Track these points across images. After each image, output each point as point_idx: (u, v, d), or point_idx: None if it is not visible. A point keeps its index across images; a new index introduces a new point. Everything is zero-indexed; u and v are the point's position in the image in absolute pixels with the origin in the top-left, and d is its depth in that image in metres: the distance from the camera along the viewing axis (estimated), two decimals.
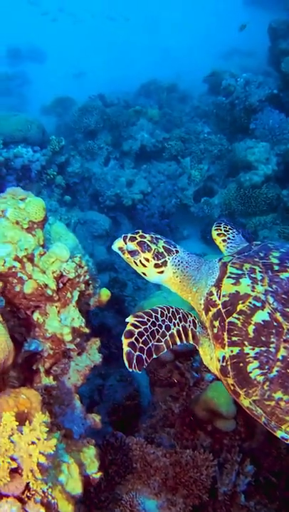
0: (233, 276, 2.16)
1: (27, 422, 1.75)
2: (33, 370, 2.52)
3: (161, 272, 2.30)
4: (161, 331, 2.09)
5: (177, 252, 2.32)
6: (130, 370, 1.95)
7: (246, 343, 2.04)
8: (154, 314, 2.11)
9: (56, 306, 2.49)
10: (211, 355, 2.17)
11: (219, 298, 2.14)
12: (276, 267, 2.15)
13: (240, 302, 2.09)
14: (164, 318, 2.12)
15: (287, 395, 1.99)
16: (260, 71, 9.47)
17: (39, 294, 2.42)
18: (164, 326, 2.11)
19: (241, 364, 2.04)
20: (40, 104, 12.26)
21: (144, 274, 2.34)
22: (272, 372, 2.00)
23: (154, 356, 2.04)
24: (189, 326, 2.19)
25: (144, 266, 2.29)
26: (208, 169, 7.77)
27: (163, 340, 2.09)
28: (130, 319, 2.06)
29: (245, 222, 7.17)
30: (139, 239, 2.28)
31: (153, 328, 2.07)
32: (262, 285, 2.10)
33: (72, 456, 2.16)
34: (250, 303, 2.07)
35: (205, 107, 9.13)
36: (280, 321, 2.02)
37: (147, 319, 2.07)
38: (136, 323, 2.04)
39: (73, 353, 2.66)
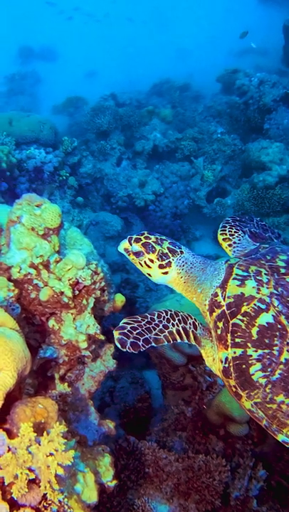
0: (238, 277, 2.16)
1: (45, 433, 1.75)
2: (47, 377, 2.52)
3: (166, 273, 2.31)
4: (158, 328, 2.11)
5: (182, 252, 2.34)
6: (124, 350, 1.97)
7: (249, 344, 2.03)
8: (150, 316, 2.14)
9: (72, 313, 2.49)
10: (214, 357, 2.18)
11: (224, 299, 2.14)
12: (283, 270, 2.14)
13: (245, 304, 2.08)
14: (160, 319, 2.14)
15: None
16: (274, 70, 9.38)
17: (55, 301, 2.42)
18: (161, 325, 2.13)
19: (244, 366, 2.03)
20: (51, 103, 12.29)
21: (149, 274, 2.35)
22: (275, 375, 1.99)
23: (153, 345, 2.06)
24: (190, 327, 2.20)
25: (149, 267, 2.30)
26: (221, 170, 7.71)
27: (162, 335, 2.10)
28: (123, 320, 2.09)
29: None
30: (143, 240, 2.30)
31: (148, 325, 2.09)
32: (267, 287, 2.09)
33: (88, 465, 2.16)
34: (254, 305, 2.06)
35: (218, 107, 9.06)
36: (285, 324, 2.01)
37: (141, 319, 2.11)
38: (128, 321, 2.08)
39: (88, 359, 2.66)
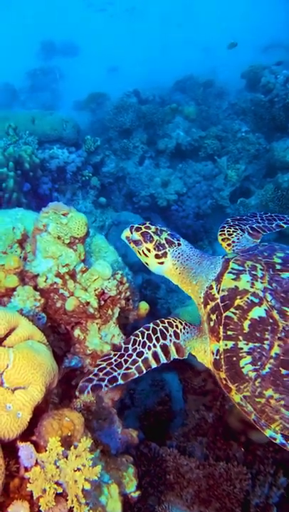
0: (234, 271, 2.19)
1: (72, 448, 1.77)
2: (72, 385, 2.54)
3: (162, 263, 2.37)
4: (130, 360, 2.14)
5: (179, 244, 2.38)
6: (81, 397, 2.09)
7: (241, 337, 2.05)
8: (124, 346, 2.18)
9: (97, 323, 2.50)
10: (205, 349, 2.20)
11: (218, 292, 2.18)
12: (278, 267, 2.16)
13: (239, 297, 2.11)
14: (135, 346, 2.18)
15: (278, 394, 1.98)
16: None
17: (81, 312, 2.44)
18: (134, 354, 2.16)
19: (234, 358, 2.05)
20: (73, 99, 12.30)
21: (146, 263, 2.42)
22: (265, 369, 2.00)
23: (121, 382, 2.11)
24: (170, 340, 2.22)
25: (146, 256, 2.38)
26: (245, 169, 7.59)
27: (133, 368, 2.14)
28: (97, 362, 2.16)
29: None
30: (143, 229, 2.39)
31: (120, 359, 2.14)
32: (262, 282, 2.11)
33: (112, 476, 2.18)
34: (248, 299, 2.09)
35: (242, 104, 8.88)
36: (277, 318, 2.02)
37: (113, 354, 2.16)
38: (98, 362, 2.14)
39: None
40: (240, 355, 2.04)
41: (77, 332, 2.48)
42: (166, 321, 2.27)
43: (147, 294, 5.97)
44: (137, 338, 2.21)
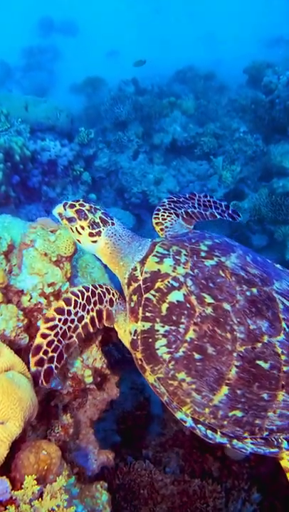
0: (158, 255, 2.23)
1: (48, 487, 1.74)
2: (50, 406, 2.51)
3: (95, 242, 2.37)
4: (73, 326, 2.14)
5: (113, 224, 2.40)
6: (40, 385, 2.02)
7: (158, 320, 2.08)
8: (66, 309, 2.15)
9: (79, 345, 2.45)
10: (125, 329, 2.22)
11: (141, 274, 2.21)
12: (203, 254, 2.19)
13: (160, 280, 2.14)
14: (77, 308, 2.17)
15: (190, 377, 2.02)
16: None
17: None
18: (76, 318, 2.15)
19: (150, 340, 2.09)
20: (69, 81, 11.95)
21: (78, 241, 2.41)
22: (179, 352, 2.04)
23: (65, 356, 2.11)
24: (105, 306, 2.25)
25: (80, 233, 2.37)
26: (240, 171, 7.51)
27: (75, 335, 2.14)
28: (41, 326, 2.10)
29: (274, 229, 6.96)
30: (78, 206, 2.37)
31: (64, 327, 2.12)
32: (184, 268, 2.15)
33: (86, 504, 2.17)
34: (168, 282, 2.12)
35: (242, 101, 8.73)
36: (194, 304, 2.06)
37: (58, 320, 2.12)
38: (46, 331, 2.08)
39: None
40: (156, 336, 2.07)
41: None
42: (104, 286, 2.29)
43: None
44: (77, 299, 2.19)
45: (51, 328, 2.11)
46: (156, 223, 2.64)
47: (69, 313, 2.15)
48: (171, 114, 8.24)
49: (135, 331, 2.14)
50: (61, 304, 2.18)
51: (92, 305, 2.21)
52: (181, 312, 2.06)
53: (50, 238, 2.54)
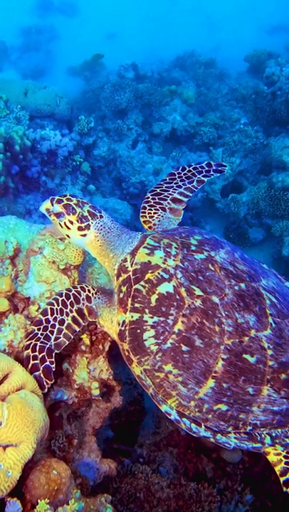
0: (149, 247, 2.24)
1: (60, 509, 1.75)
2: (55, 416, 2.50)
3: (84, 235, 2.37)
4: (55, 330, 2.18)
5: (101, 217, 2.39)
6: (46, 387, 2.06)
7: (147, 310, 2.09)
8: (43, 318, 2.20)
9: (86, 357, 2.44)
10: (112, 319, 2.23)
11: (131, 265, 2.22)
12: (193, 247, 2.22)
13: (150, 271, 2.16)
14: (54, 315, 2.20)
15: (177, 369, 2.04)
16: None
17: (72, 347, 2.37)
18: (56, 323, 2.19)
19: (138, 330, 2.09)
20: (67, 63, 11.59)
21: (67, 236, 2.40)
22: (166, 343, 2.05)
23: (57, 351, 2.14)
24: (83, 304, 2.27)
25: (68, 228, 2.36)
26: (240, 163, 7.42)
27: (61, 335, 2.18)
28: (23, 341, 2.14)
29: (272, 224, 6.94)
30: (65, 201, 2.36)
31: (45, 332, 2.16)
32: (174, 260, 2.16)
33: None
34: (158, 274, 2.14)
35: (243, 91, 8.58)
36: (183, 295, 2.07)
37: (37, 329, 2.17)
38: (28, 342, 2.13)
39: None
40: (144, 327, 2.07)
41: (65, 365, 2.42)
42: (78, 286, 2.31)
43: None
44: (53, 306, 2.22)
45: (32, 338, 2.14)
46: (144, 221, 2.64)
47: (47, 321, 2.18)
48: (172, 102, 8.08)
49: (123, 321, 2.14)
50: (38, 316, 2.22)
51: (69, 307, 2.23)
52: (170, 304, 2.06)
53: (59, 246, 2.50)
